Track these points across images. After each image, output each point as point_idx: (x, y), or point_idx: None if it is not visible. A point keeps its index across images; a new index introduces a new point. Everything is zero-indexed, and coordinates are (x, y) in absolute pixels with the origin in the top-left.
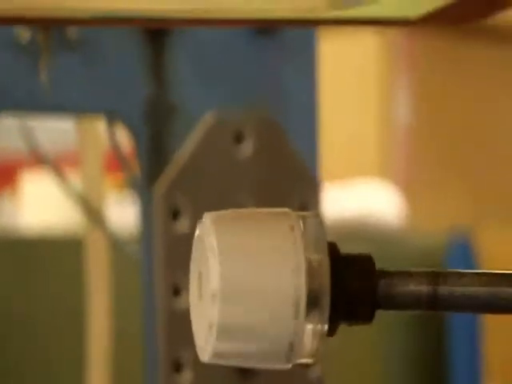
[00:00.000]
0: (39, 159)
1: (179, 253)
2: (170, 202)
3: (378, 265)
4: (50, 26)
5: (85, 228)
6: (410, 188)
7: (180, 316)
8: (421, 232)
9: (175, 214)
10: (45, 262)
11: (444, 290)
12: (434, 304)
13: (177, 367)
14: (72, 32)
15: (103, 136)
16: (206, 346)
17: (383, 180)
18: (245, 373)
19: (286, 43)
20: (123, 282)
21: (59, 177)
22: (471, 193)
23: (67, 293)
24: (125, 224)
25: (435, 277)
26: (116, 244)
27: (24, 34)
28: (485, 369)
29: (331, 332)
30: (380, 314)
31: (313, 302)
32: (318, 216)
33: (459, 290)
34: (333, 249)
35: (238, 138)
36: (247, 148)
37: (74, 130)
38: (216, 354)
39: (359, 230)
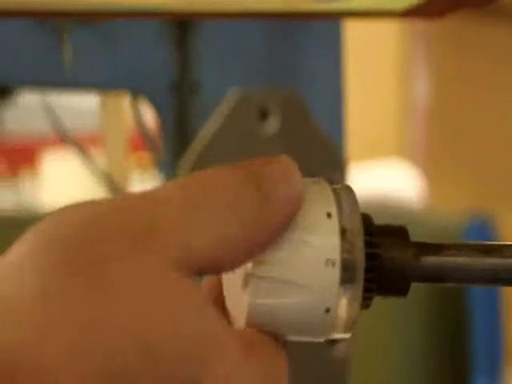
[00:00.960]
0: (62, 138)
1: None
2: None
3: None
4: (70, 19)
5: None
6: (429, 168)
7: None
8: (440, 212)
9: None
10: None
11: (487, 261)
12: (466, 278)
13: None
14: None
15: (127, 115)
16: (240, 315)
17: (403, 160)
18: None
19: (311, 25)
20: None
21: (82, 156)
22: (490, 173)
23: None
24: None
25: (469, 250)
26: None
27: None
28: (505, 349)
29: (366, 305)
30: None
31: (347, 274)
32: (349, 188)
33: (490, 264)
34: (367, 220)
35: (263, 115)
36: (272, 125)
37: (97, 111)
38: (249, 323)
39: (379, 210)
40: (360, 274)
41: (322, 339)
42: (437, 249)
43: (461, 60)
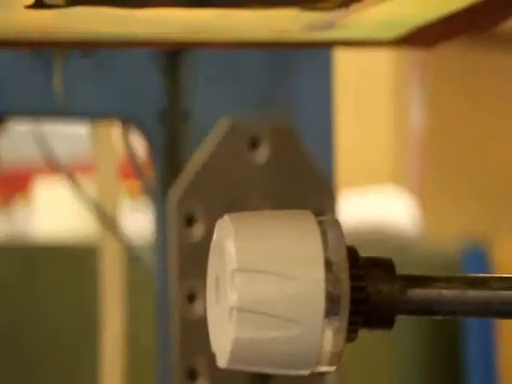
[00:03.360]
0: (53, 166)
1: (194, 259)
2: (185, 209)
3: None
4: (65, 48)
5: (99, 235)
6: (424, 195)
7: (195, 323)
8: (435, 239)
9: (190, 221)
10: (59, 269)
11: (475, 294)
12: (453, 311)
13: (192, 375)
14: None
15: (118, 143)
16: (223, 349)
17: (397, 187)
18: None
19: (301, 52)
20: (137, 289)
21: (73, 184)
22: (485, 200)
23: (81, 300)
24: (139, 231)
25: (457, 282)
26: (130, 251)
27: None
28: (500, 371)
29: (351, 338)
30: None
31: (332, 306)
32: (335, 220)
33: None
34: (352, 253)
35: (254, 144)
36: (262, 154)
37: (88, 137)
38: (234, 358)
39: (373, 237)
40: (345, 307)
41: (306, 373)
42: (423, 282)
43: (456, 87)
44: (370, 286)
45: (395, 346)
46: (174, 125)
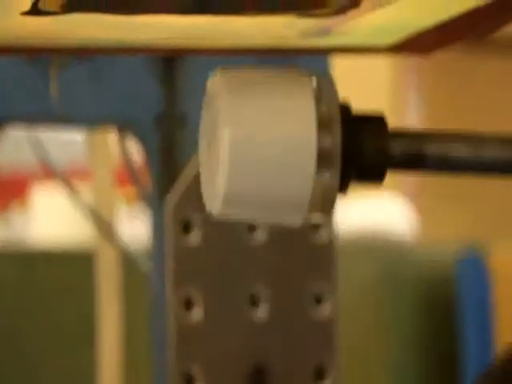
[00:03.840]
0: (50, 172)
1: (190, 265)
2: (182, 214)
3: (390, 279)
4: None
5: (96, 241)
6: (421, 201)
7: (191, 329)
8: (432, 245)
9: (186, 226)
10: (56, 275)
11: (458, 153)
12: (442, 166)
13: (188, 381)
14: None
15: (114, 149)
16: (216, 195)
17: (395, 193)
18: (255, 380)
19: (297, 58)
20: (134, 295)
21: (70, 190)
22: (482, 206)
23: (78, 306)
24: (136, 237)
25: (449, 138)
26: (127, 257)
27: None
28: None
29: (343, 189)
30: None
31: (324, 157)
32: (330, 78)
33: (468, 152)
34: (345, 108)
35: None
36: None
37: (84, 144)
38: (227, 200)
39: (372, 243)
40: (337, 158)
41: (298, 221)
42: (414, 136)
43: (452, 91)
44: (361, 139)
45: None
46: (170, 130)
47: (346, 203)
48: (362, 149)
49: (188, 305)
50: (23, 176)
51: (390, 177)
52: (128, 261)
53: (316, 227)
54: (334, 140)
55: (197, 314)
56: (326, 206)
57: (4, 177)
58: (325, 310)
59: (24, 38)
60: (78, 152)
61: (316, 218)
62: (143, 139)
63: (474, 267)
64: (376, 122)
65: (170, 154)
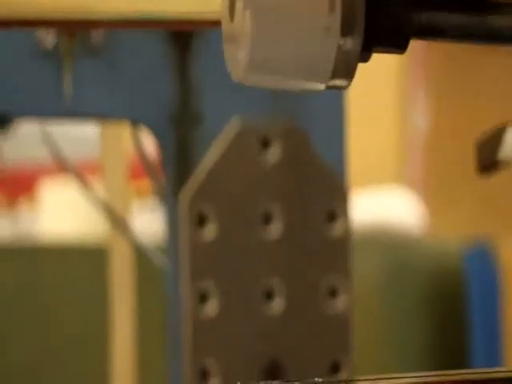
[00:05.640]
0: (62, 166)
1: (206, 260)
2: (197, 209)
3: (397, 272)
4: (72, 29)
5: (108, 236)
6: (428, 194)
7: (207, 324)
8: (440, 239)
9: (201, 221)
10: (66, 271)
11: (483, 22)
12: (471, 36)
13: (203, 375)
14: (96, 38)
15: (127, 143)
16: (240, 60)
17: (402, 186)
18: (271, 374)
19: None
20: (148, 290)
21: (82, 184)
22: (490, 199)
23: (90, 302)
24: (149, 231)
25: (475, 8)
26: (140, 252)
27: (48, 39)
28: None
29: (365, 57)
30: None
31: (347, 25)
32: None
33: (497, 23)
34: None
35: (265, 144)
36: (274, 154)
37: (96, 138)
38: (252, 64)
39: (379, 236)
40: (360, 24)
41: (322, 86)
42: (439, 6)
43: (459, 88)
44: (384, 5)
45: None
46: (184, 125)
47: (353, 197)
48: (385, 15)
49: (203, 299)
50: (32, 171)
51: (397, 170)
52: (142, 255)
53: (331, 221)
54: (358, 5)
55: (212, 308)
56: (347, 71)
57: (13, 172)
58: (340, 303)
59: (30, 11)
60: (90, 145)
61: (338, 83)
62: (158, 135)
63: (481, 259)
64: None
65: (185, 149)
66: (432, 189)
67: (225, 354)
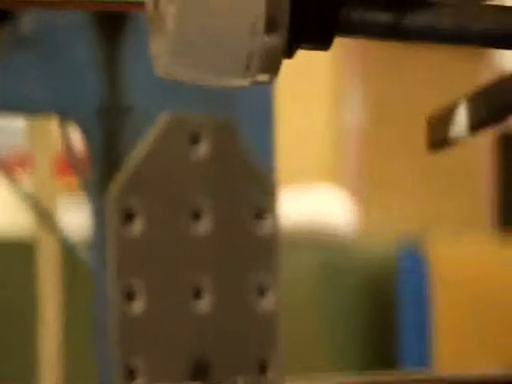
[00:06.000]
0: None
1: (133, 256)
2: (124, 204)
3: (329, 271)
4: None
5: (35, 230)
6: (360, 193)
7: (134, 321)
8: (371, 238)
9: (129, 217)
10: None
11: (408, 20)
12: (395, 33)
13: (131, 374)
14: (25, 28)
15: (55, 137)
16: (163, 50)
17: (334, 185)
18: (198, 373)
19: None
20: (75, 286)
21: (10, 177)
22: (421, 198)
23: (17, 297)
24: (77, 227)
25: (400, 6)
26: (67, 247)
27: None
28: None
29: (289, 54)
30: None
31: (271, 21)
32: None
33: (423, 20)
34: None
35: (194, 140)
36: (203, 150)
37: (25, 131)
38: (173, 54)
39: (311, 235)
40: (284, 22)
41: (244, 81)
42: (362, 1)
43: (393, 83)
44: (309, 3)
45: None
46: (112, 119)
47: (285, 195)
48: (309, 12)
49: (130, 296)
50: None
51: (329, 168)
52: (69, 251)
53: (259, 218)
54: (283, 4)
55: (139, 305)
56: (271, 67)
57: None
58: (267, 302)
59: None
60: (19, 137)
61: (262, 79)
62: (85, 129)
63: (413, 259)
64: None
65: (112, 144)
66: (365, 188)
67: (152, 353)
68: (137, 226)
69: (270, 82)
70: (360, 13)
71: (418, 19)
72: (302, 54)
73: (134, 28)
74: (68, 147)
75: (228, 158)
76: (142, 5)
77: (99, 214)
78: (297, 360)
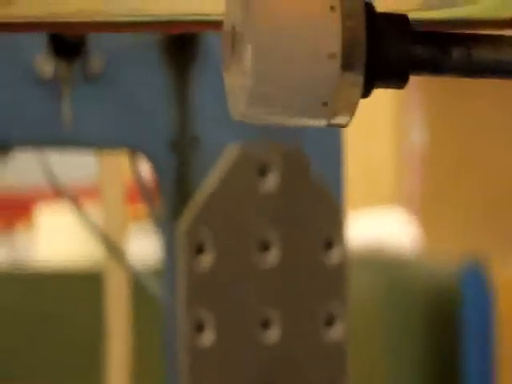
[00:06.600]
0: (58, 192)
1: (203, 288)
2: (195, 238)
3: (395, 292)
4: (74, 33)
5: (104, 261)
6: (424, 214)
7: (203, 353)
8: (435, 258)
9: (199, 249)
10: (62, 296)
11: (479, 53)
12: (465, 68)
13: None
14: (95, 65)
15: (124, 166)
16: (240, 95)
17: (398, 207)
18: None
19: None
20: (143, 317)
21: (78, 210)
22: (485, 218)
23: (86, 327)
24: (145, 256)
25: (471, 40)
26: (136, 278)
27: (47, 67)
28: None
29: (366, 92)
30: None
31: (348, 62)
32: None
33: (493, 56)
34: (369, 7)
35: (263, 171)
36: (272, 180)
37: (93, 163)
38: (252, 97)
39: (375, 256)
40: (360, 57)
41: (323, 122)
42: (437, 38)
43: (455, 108)
44: (384, 39)
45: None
46: (182, 151)
47: (350, 217)
48: (385, 50)
49: (200, 328)
50: (29, 196)
51: (393, 190)
52: (137, 281)
53: (328, 247)
54: (359, 38)
55: (209, 337)
56: (349, 108)
57: (9, 196)
58: (336, 332)
59: (33, 16)
60: (87, 170)
61: (339, 121)
62: (155, 162)
63: (476, 280)
64: (399, 21)
65: (183, 175)
66: (428, 209)
67: (222, 383)
68: (207, 259)
69: (347, 124)
70: (435, 51)
71: (488, 55)
72: None
73: (202, 60)
74: (138, 178)
75: (297, 187)
76: (214, 24)
77: (169, 246)
78: (359, 380)
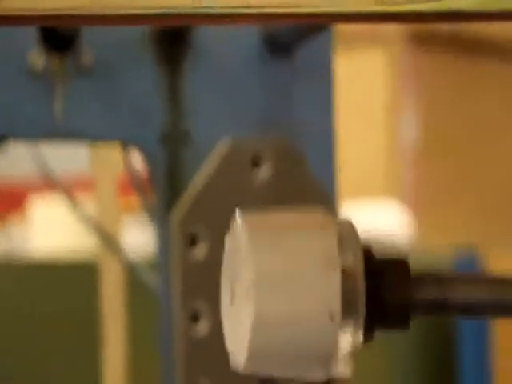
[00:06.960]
0: (51, 184)
1: (197, 279)
2: (188, 229)
3: None
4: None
5: (98, 252)
6: (418, 207)
7: (199, 343)
8: (428, 250)
9: (192, 241)
10: (57, 287)
11: (489, 297)
12: (466, 310)
13: None
14: (87, 58)
15: (117, 159)
16: (241, 348)
17: (391, 199)
18: None
19: (301, 66)
20: (138, 307)
21: (72, 201)
22: (479, 210)
23: (81, 318)
24: (139, 247)
25: (472, 283)
26: (130, 268)
27: (39, 60)
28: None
29: (368, 338)
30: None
31: (348, 309)
32: (350, 221)
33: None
34: (368, 253)
35: (255, 163)
36: (264, 172)
37: (86, 154)
38: (252, 356)
39: None
40: (361, 309)
41: (323, 376)
42: (438, 281)
43: (449, 98)
44: (384, 288)
45: (391, 350)
46: (175, 145)
47: (342, 209)
48: (386, 298)
49: (195, 318)
50: (22, 187)
51: (386, 182)
52: (132, 272)
53: None
54: (358, 290)
55: (204, 327)
56: (348, 357)
57: (3, 189)
58: None
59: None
60: (80, 162)
61: (339, 372)
62: (148, 153)
63: (470, 271)
64: (398, 266)
65: (176, 168)
66: (422, 201)
67: (217, 373)
68: (201, 250)
69: (349, 373)
70: (436, 293)
71: (487, 297)
72: (358, 74)
73: (194, 54)
74: (130, 170)
75: (290, 179)
76: (208, 17)
77: (163, 238)
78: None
